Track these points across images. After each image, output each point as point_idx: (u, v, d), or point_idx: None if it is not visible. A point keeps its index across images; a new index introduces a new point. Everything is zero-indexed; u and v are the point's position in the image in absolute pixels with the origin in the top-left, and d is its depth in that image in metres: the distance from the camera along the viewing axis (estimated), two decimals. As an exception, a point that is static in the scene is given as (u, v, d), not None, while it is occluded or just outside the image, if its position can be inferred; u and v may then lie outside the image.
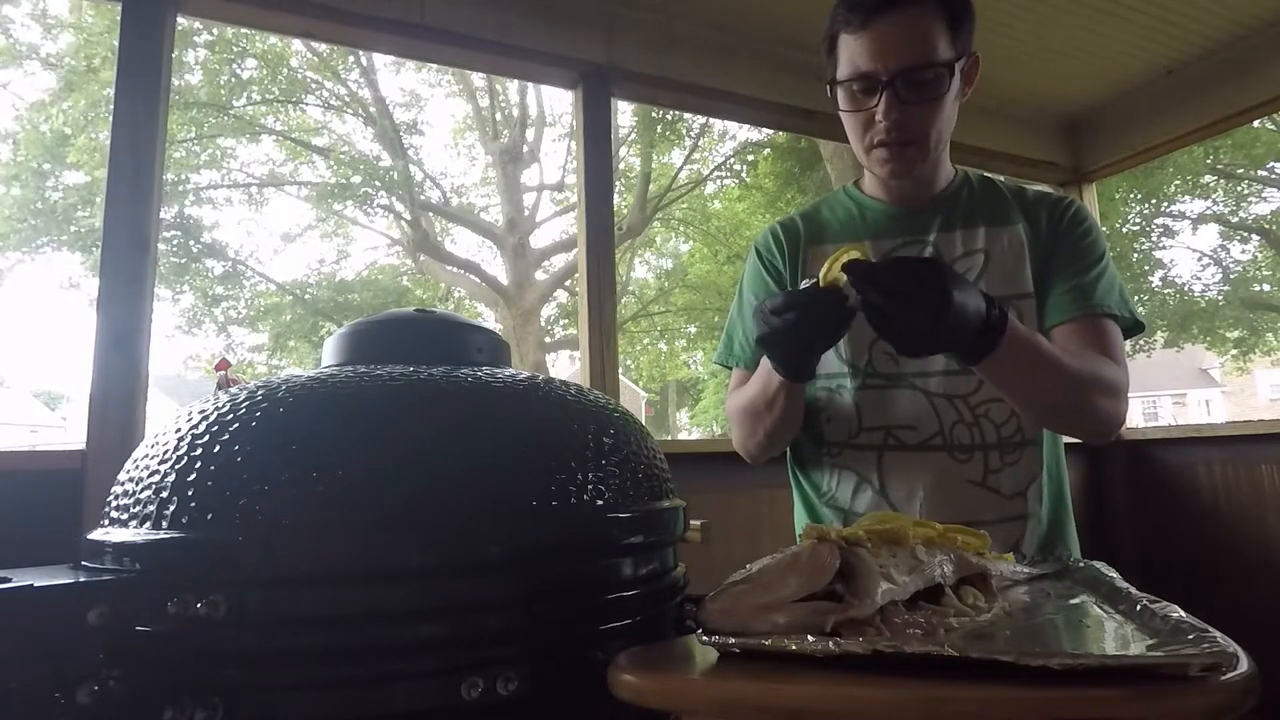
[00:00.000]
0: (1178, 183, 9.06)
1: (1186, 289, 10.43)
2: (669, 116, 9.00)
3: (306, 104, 9.17)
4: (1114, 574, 0.73)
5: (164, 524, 0.56)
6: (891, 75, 0.92)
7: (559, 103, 10.96)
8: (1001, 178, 1.13)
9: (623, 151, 9.68)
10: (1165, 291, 10.35)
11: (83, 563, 0.60)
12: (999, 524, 0.98)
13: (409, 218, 9.44)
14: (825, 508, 1.10)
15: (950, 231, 1.04)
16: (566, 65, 2.00)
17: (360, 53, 8.34)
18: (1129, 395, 0.98)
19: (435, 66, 8.92)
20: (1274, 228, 10.26)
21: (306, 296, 9.72)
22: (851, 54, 0.96)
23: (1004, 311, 0.81)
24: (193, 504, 0.56)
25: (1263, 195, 9.92)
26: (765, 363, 0.96)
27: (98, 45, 7.20)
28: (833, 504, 1.08)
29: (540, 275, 9.70)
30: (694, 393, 17.40)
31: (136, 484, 0.61)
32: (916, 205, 1.06)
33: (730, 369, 1.18)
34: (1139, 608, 0.59)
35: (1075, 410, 0.93)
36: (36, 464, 1.38)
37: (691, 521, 0.83)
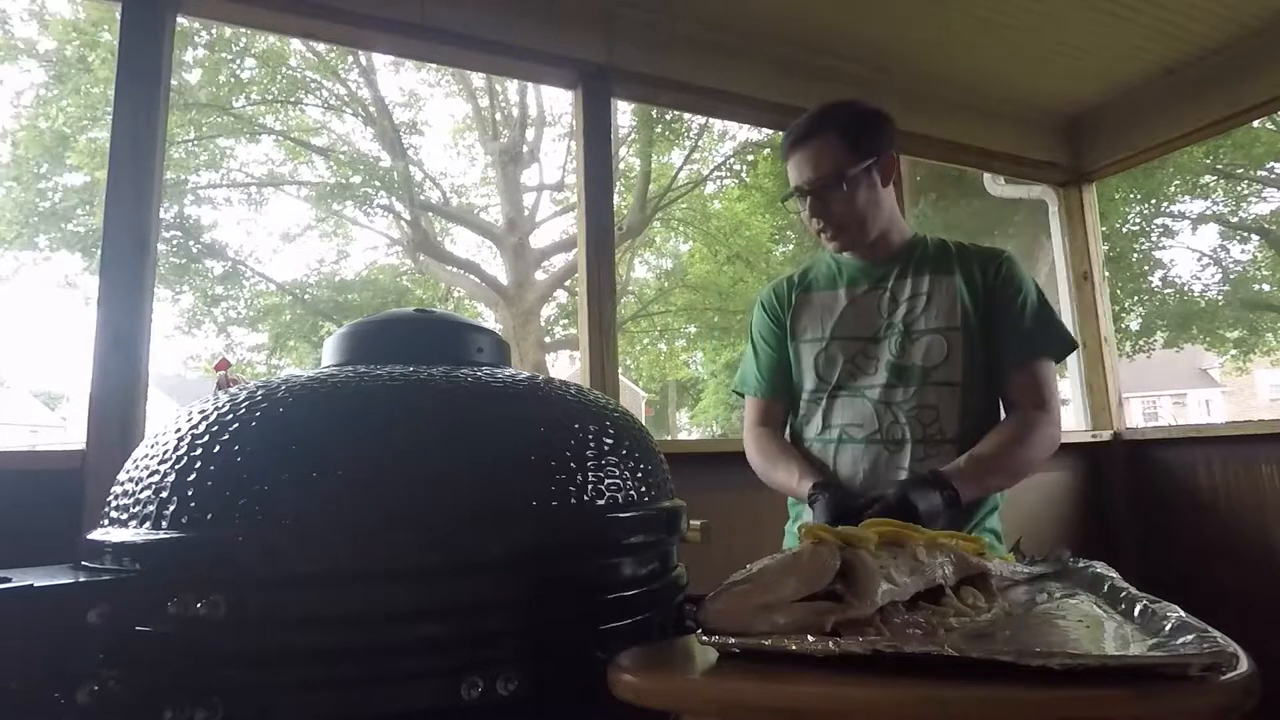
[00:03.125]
0: (1178, 183, 9.05)
1: (1186, 289, 10.41)
2: (669, 116, 8.99)
3: (306, 104, 9.16)
4: (1114, 574, 0.73)
5: (164, 524, 0.56)
6: (807, 186, 1.26)
7: (559, 103, 10.94)
8: (953, 240, 1.38)
9: (623, 151, 9.67)
10: (1165, 291, 10.34)
11: (83, 563, 0.60)
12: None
13: (409, 218, 9.42)
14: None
15: (904, 279, 1.32)
16: (566, 65, 2.00)
17: (360, 53, 8.33)
18: (1059, 418, 1.26)
19: (435, 66, 8.92)
20: (1274, 228, 10.25)
21: (306, 296, 9.70)
22: (789, 172, 1.30)
23: (954, 489, 1.11)
24: (193, 504, 0.56)
25: (1263, 195, 9.91)
26: (797, 484, 1.25)
27: (94, 46, 7.19)
28: None
29: (540, 275, 9.69)
30: (694, 393, 17.38)
31: (136, 484, 0.61)
32: (879, 260, 1.35)
33: (744, 396, 1.46)
34: (1139, 608, 0.59)
35: (1025, 476, 1.24)
36: (36, 464, 1.38)
37: (691, 521, 0.83)
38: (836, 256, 1.40)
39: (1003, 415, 1.30)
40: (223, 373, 1.29)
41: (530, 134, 10.00)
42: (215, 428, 0.60)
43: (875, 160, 1.26)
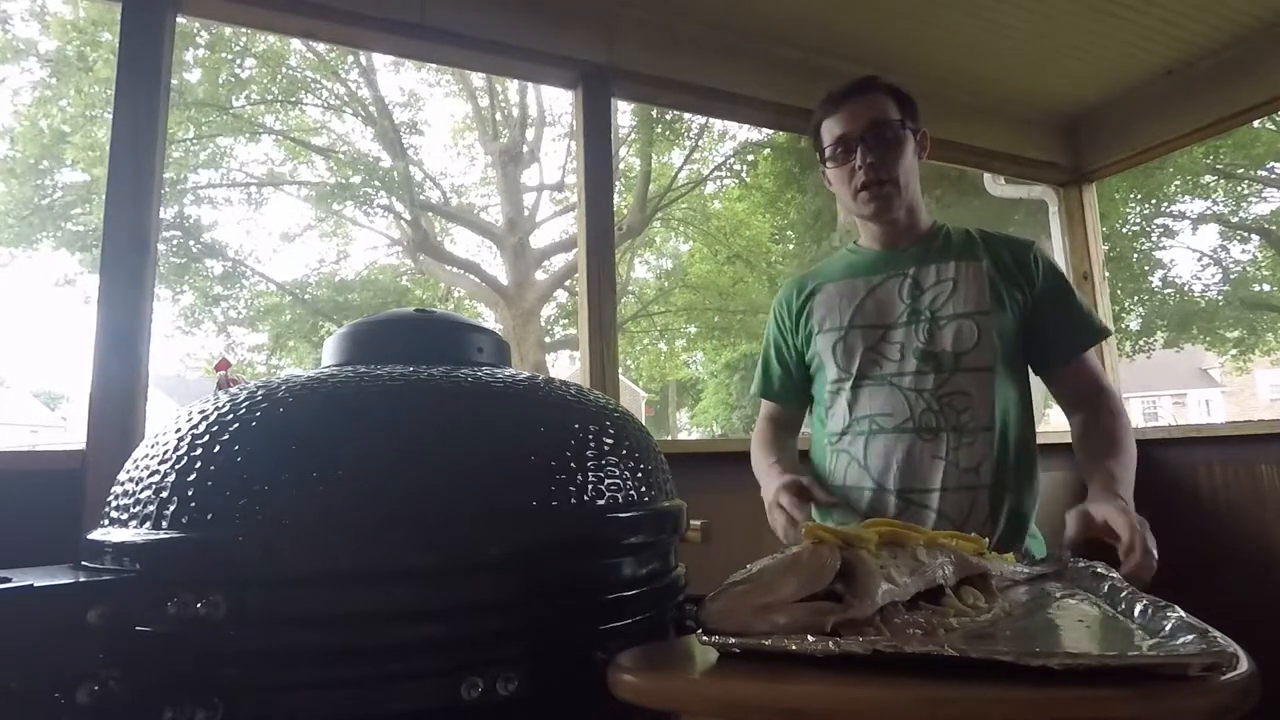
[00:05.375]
0: (1178, 183, 9.05)
1: (1186, 289, 10.41)
2: (669, 116, 8.99)
3: (306, 104, 9.16)
4: (1114, 574, 0.73)
5: (164, 524, 0.56)
6: (862, 132, 1.26)
7: (559, 103, 10.93)
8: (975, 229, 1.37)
9: (623, 151, 9.67)
10: (1165, 291, 10.34)
11: (83, 563, 0.60)
12: (955, 491, 1.20)
13: (409, 218, 9.42)
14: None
15: (927, 265, 1.30)
16: (566, 65, 2.00)
17: (360, 53, 8.33)
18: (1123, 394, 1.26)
19: (435, 66, 8.91)
20: (1274, 228, 10.24)
21: (306, 296, 9.70)
22: (831, 128, 1.30)
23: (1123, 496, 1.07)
24: (193, 504, 0.56)
25: (1263, 195, 9.90)
26: (768, 477, 1.28)
27: (95, 45, 7.18)
28: (830, 482, 1.32)
29: (540, 275, 9.69)
30: (694, 393, 17.38)
31: (136, 484, 0.61)
32: (899, 249, 1.34)
33: (763, 398, 1.48)
34: (1139, 608, 0.59)
35: None
36: (36, 464, 1.37)
37: (691, 521, 0.83)
38: (853, 248, 1.41)
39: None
40: (223, 373, 1.29)
41: (530, 134, 10.01)
42: (215, 428, 0.60)
43: (916, 131, 1.31)
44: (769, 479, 1.28)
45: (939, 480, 1.20)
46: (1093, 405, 1.25)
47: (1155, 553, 0.93)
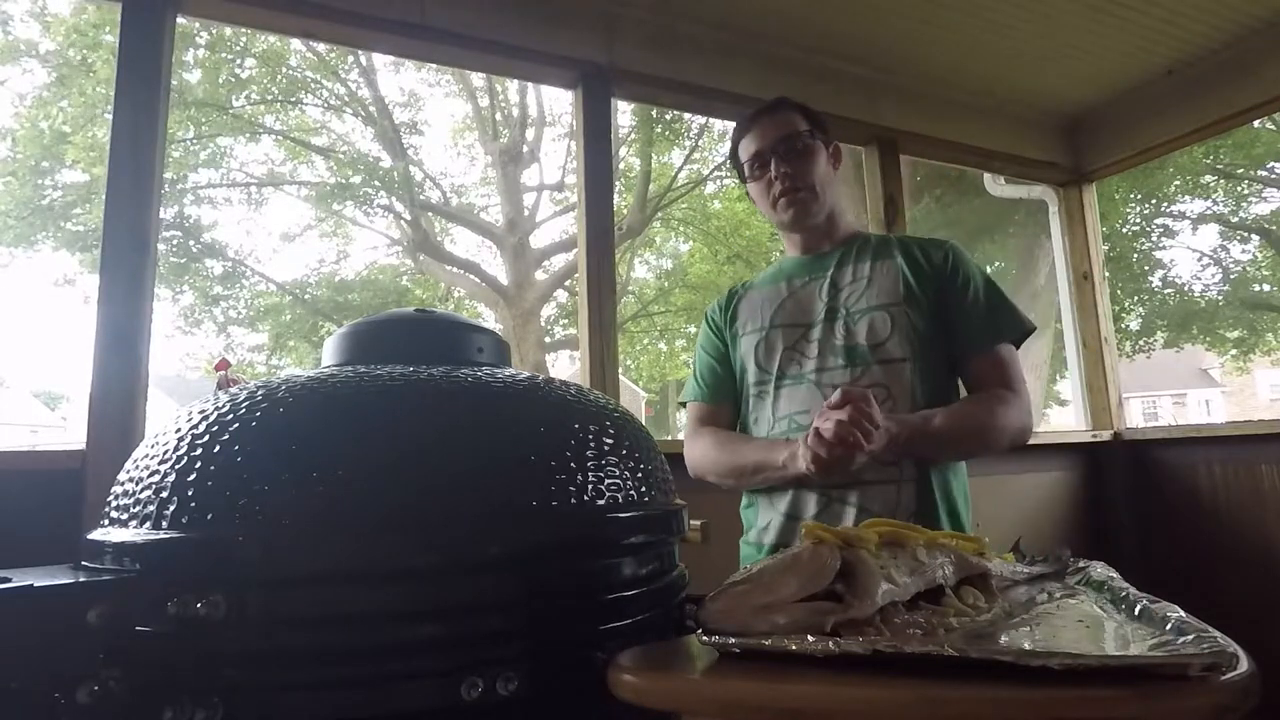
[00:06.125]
0: (1178, 183, 9.04)
1: (1186, 289, 10.41)
2: (669, 116, 8.98)
3: (306, 104, 9.16)
4: (1114, 574, 0.73)
5: (164, 524, 0.56)
6: (774, 145, 1.35)
7: (559, 103, 10.93)
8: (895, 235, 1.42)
9: (623, 151, 9.66)
10: (1165, 292, 10.33)
11: (83, 563, 0.60)
12: (878, 484, 1.22)
13: (409, 218, 9.42)
14: (753, 491, 1.35)
15: (845, 266, 1.36)
16: (566, 65, 2.00)
17: (360, 53, 8.32)
18: (1029, 407, 1.27)
19: (435, 66, 8.91)
20: (1274, 228, 10.24)
21: (306, 296, 9.70)
22: (747, 147, 1.39)
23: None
24: (193, 504, 0.56)
25: (1263, 195, 9.90)
26: (772, 450, 1.22)
27: (96, 47, 7.18)
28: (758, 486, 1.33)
29: (540, 275, 9.69)
30: (694, 393, 17.34)
31: (136, 484, 0.61)
32: (820, 253, 1.41)
33: (689, 405, 1.47)
34: (1139, 608, 0.59)
35: (987, 448, 1.25)
36: (36, 464, 1.38)
37: (691, 521, 0.83)
38: (779, 260, 1.47)
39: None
40: (223, 373, 1.29)
41: (530, 134, 10.00)
42: (215, 428, 0.60)
43: (829, 143, 1.40)
44: (777, 446, 1.22)
45: (861, 473, 1.18)
46: (987, 390, 1.25)
47: (828, 447, 1.05)
